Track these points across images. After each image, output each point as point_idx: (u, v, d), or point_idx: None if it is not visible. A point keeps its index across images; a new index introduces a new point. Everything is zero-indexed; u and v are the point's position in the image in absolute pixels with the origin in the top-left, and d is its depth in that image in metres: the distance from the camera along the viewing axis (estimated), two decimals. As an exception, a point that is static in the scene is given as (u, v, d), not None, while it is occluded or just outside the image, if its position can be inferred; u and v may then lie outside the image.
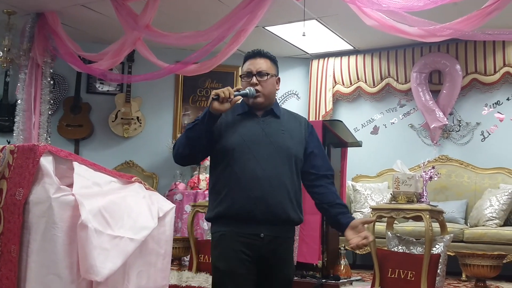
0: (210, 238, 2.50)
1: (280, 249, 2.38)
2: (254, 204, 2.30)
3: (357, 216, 5.80)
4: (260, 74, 2.44)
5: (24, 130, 5.60)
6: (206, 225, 5.58)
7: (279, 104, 2.63)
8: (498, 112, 6.09)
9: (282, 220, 2.35)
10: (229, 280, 2.31)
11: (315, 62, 7.04)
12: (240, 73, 2.55)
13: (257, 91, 2.42)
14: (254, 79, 2.44)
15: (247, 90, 2.41)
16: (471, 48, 6.07)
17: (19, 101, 5.66)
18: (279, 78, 2.56)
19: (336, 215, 2.42)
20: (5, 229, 2.21)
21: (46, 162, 2.21)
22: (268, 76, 2.46)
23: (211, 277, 3.79)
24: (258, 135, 2.40)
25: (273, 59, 2.53)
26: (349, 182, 6.14)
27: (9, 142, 5.89)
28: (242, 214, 2.32)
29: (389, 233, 3.95)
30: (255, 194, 2.30)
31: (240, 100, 2.42)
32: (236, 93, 2.36)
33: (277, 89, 2.54)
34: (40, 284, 2.12)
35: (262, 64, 2.47)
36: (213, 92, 2.32)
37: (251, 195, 2.30)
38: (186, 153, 2.41)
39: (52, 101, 5.91)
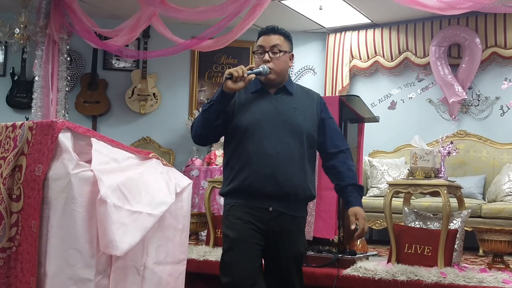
0: None
1: (288, 226, 2.45)
2: (264, 181, 2.38)
3: (374, 191, 5.79)
4: (272, 50, 2.46)
5: (42, 106, 5.64)
6: (222, 201, 5.61)
7: (295, 80, 2.69)
8: (518, 86, 5.99)
9: (291, 197, 2.42)
10: (237, 247, 2.40)
11: (331, 37, 6.96)
12: (253, 49, 2.56)
13: (269, 68, 2.44)
14: (266, 56, 2.46)
15: (260, 68, 2.43)
16: (491, 21, 5.95)
17: (36, 78, 5.69)
18: (292, 55, 2.57)
19: (347, 196, 2.51)
20: (25, 204, 2.24)
21: (65, 138, 2.23)
22: (281, 54, 2.47)
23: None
24: (270, 113, 2.45)
25: (287, 35, 2.53)
26: (366, 158, 6.12)
27: (27, 119, 5.95)
28: (253, 190, 2.40)
29: (406, 208, 3.94)
30: (265, 171, 2.38)
31: (254, 78, 2.45)
32: (249, 71, 2.39)
33: (290, 66, 2.56)
34: (61, 259, 2.16)
35: (275, 40, 2.48)
36: (227, 71, 2.37)
37: (262, 173, 2.38)
38: (205, 134, 2.49)
39: (69, 78, 5.92)
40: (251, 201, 2.42)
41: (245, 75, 2.36)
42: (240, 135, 2.43)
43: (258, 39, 2.53)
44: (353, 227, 2.44)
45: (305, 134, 2.45)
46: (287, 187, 2.39)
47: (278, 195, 2.39)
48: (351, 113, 4.05)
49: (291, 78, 2.64)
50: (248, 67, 2.40)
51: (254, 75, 2.41)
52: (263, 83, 2.50)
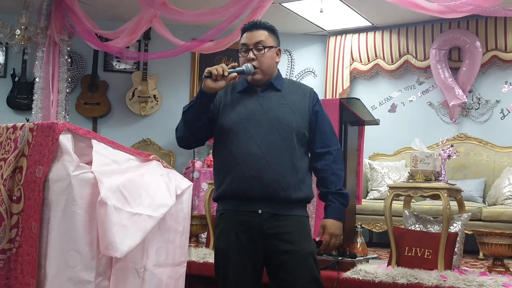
0: None
1: (282, 226, 2.28)
2: (249, 183, 2.25)
3: (374, 194, 5.79)
4: (257, 47, 2.31)
5: (43, 108, 5.64)
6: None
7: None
8: (519, 90, 6.00)
9: (280, 199, 2.26)
10: (227, 259, 2.31)
11: (332, 39, 6.96)
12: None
13: (254, 67, 2.30)
14: (250, 54, 2.31)
15: (243, 67, 2.29)
16: (492, 25, 5.96)
17: (37, 79, 5.69)
18: (279, 49, 2.41)
19: (326, 206, 2.38)
20: (26, 206, 2.24)
21: (65, 140, 2.22)
22: (266, 50, 2.31)
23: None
24: (256, 112, 2.30)
25: (271, 29, 2.38)
26: (366, 161, 6.11)
27: (28, 120, 5.95)
28: (239, 193, 2.28)
29: (406, 211, 3.94)
30: (250, 172, 2.24)
31: (241, 77, 2.34)
32: (231, 70, 2.25)
33: (277, 61, 2.40)
34: (61, 260, 2.15)
35: (259, 36, 2.32)
36: (206, 69, 2.25)
37: (247, 174, 2.25)
38: (187, 137, 2.38)
39: (69, 79, 5.94)
40: (239, 206, 2.29)
41: (226, 73, 2.22)
42: (225, 136, 2.31)
43: (241, 36, 2.38)
44: (317, 239, 2.34)
45: (295, 131, 2.30)
46: (276, 188, 2.24)
47: (266, 196, 2.24)
48: (352, 115, 4.05)
49: (280, 73, 2.47)
50: (230, 65, 2.29)
51: (236, 74, 2.26)
52: (249, 82, 2.36)
